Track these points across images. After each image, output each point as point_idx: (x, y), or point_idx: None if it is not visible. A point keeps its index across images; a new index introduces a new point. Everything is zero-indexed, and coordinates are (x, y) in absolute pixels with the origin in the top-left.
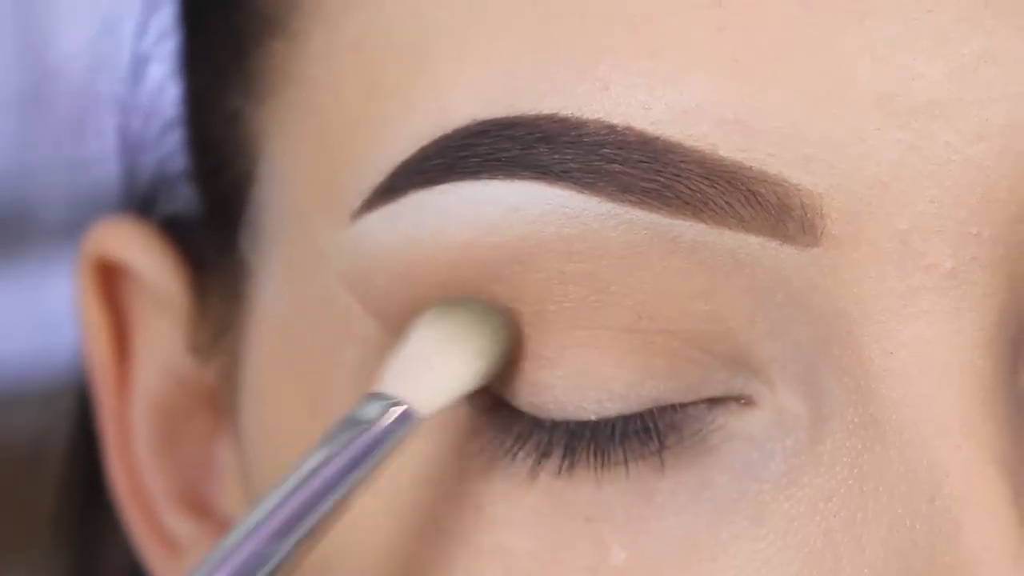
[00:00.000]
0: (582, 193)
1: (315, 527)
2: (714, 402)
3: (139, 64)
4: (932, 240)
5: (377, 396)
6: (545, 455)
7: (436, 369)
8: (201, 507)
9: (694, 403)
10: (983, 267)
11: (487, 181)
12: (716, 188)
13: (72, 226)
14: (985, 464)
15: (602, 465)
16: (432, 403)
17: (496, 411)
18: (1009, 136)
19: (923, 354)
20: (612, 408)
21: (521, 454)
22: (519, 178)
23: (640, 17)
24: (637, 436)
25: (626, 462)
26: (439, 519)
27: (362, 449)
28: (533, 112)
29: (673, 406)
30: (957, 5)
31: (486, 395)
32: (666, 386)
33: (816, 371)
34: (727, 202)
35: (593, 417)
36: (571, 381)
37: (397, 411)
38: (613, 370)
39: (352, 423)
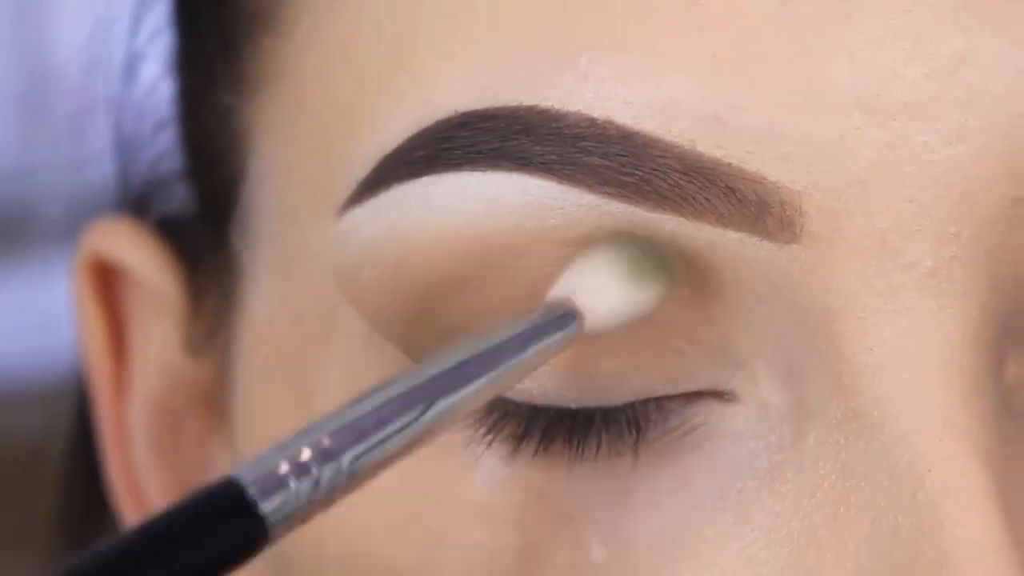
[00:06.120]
0: (562, 184)
1: (461, 400)
2: (696, 397)
3: (132, 63)
4: (911, 239)
5: (555, 300)
6: (522, 439)
7: (611, 289)
8: None
9: (676, 397)
10: (963, 266)
11: (469, 172)
12: (695, 184)
13: (72, 226)
14: (968, 458)
15: (577, 453)
16: (601, 318)
17: None
18: (988, 137)
19: (904, 350)
20: (594, 398)
21: (497, 442)
22: (500, 169)
23: (622, 12)
24: (616, 428)
25: (601, 454)
26: (423, 518)
27: (525, 337)
28: (514, 103)
29: (656, 399)
30: (937, 6)
31: None
32: (650, 377)
33: (799, 366)
34: (706, 198)
35: (573, 405)
36: (556, 367)
37: (567, 312)
38: (598, 359)
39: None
